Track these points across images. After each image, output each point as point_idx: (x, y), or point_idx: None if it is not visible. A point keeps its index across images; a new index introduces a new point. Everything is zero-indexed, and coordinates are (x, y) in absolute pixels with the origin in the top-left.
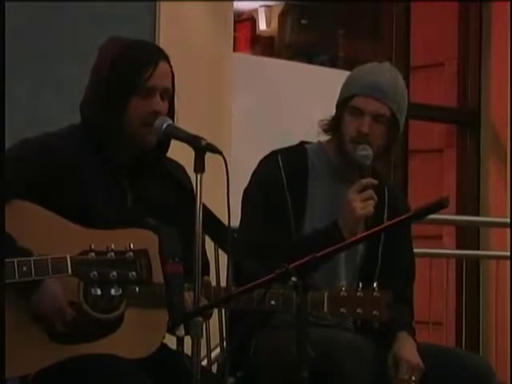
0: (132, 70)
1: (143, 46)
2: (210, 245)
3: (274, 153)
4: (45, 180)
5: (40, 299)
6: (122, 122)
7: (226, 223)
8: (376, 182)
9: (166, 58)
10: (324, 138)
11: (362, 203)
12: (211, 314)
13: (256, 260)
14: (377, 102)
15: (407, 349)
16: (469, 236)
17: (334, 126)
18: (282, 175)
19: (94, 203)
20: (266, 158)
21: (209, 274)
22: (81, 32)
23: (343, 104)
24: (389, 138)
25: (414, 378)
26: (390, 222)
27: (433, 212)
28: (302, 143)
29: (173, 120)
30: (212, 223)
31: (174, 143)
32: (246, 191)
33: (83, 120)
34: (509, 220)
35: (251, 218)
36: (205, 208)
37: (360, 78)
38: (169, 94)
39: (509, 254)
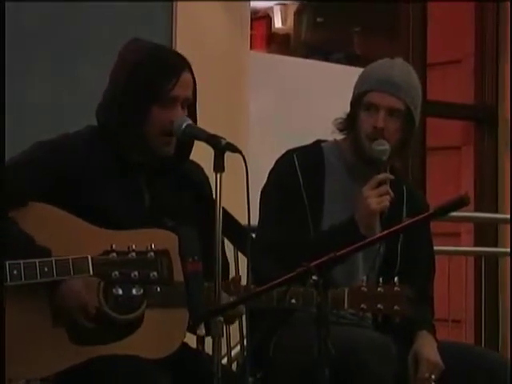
0: (155, 80)
1: (166, 55)
2: (229, 245)
3: (289, 152)
4: (62, 181)
5: (62, 297)
6: (141, 130)
7: (245, 222)
8: (392, 176)
9: (189, 67)
10: (339, 136)
11: (377, 198)
12: (235, 319)
13: (274, 259)
14: (391, 97)
15: (427, 347)
16: (487, 233)
17: (349, 124)
18: (298, 174)
19: (110, 204)
20: (282, 157)
21: (228, 276)
22: (97, 32)
23: (357, 101)
24: (404, 133)
25: (433, 377)
26: (411, 220)
27: (454, 210)
28: (318, 142)
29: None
30: (230, 226)
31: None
32: (263, 191)
33: (99, 124)
34: (508, 216)
35: (269, 217)
36: (223, 210)
37: (373, 74)
38: (189, 103)
39: None
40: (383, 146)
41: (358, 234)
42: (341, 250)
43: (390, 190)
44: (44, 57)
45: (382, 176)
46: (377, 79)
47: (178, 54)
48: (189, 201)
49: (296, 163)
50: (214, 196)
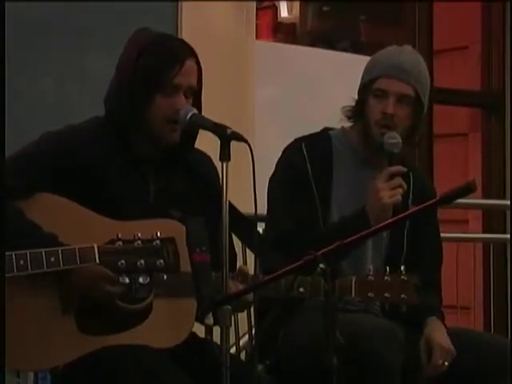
0: (158, 68)
1: (170, 43)
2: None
3: (297, 140)
4: (67, 172)
5: (78, 273)
6: (145, 118)
7: (252, 211)
8: (405, 169)
9: (194, 55)
10: (346, 124)
11: (389, 192)
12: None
13: (284, 249)
14: (400, 83)
15: (438, 333)
16: (495, 219)
17: (357, 112)
18: (306, 163)
19: (116, 196)
20: (289, 146)
21: (235, 268)
22: (105, 24)
23: (366, 87)
24: (414, 119)
25: (446, 363)
26: (417, 208)
27: (461, 196)
28: (326, 129)
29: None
30: (236, 220)
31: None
32: (271, 180)
33: (107, 113)
34: (508, 202)
35: (278, 207)
36: (229, 205)
37: (382, 61)
38: (193, 92)
39: None
40: (395, 139)
41: (368, 225)
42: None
43: (403, 183)
44: (50, 49)
45: (394, 169)
46: (386, 65)
47: (183, 42)
48: (196, 192)
49: (304, 151)
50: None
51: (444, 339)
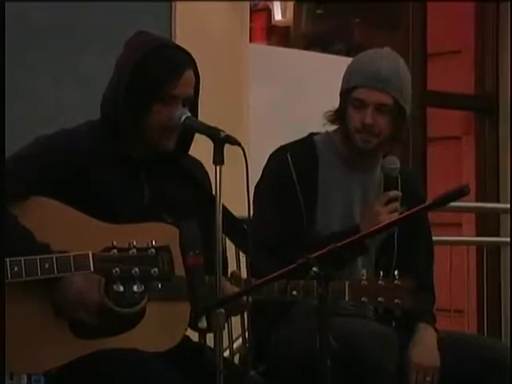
0: (156, 79)
1: (170, 53)
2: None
3: (282, 148)
4: (64, 174)
5: (62, 294)
6: (142, 125)
7: (245, 214)
8: (400, 194)
9: (192, 65)
10: (331, 127)
11: (388, 215)
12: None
13: (269, 257)
14: (378, 92)
15: (420, 347)
16: (489, 223)
17: (338, 117)
18: (291, 170)
19: (110, 200)
20: (274, 153)
21: (227, 273)
22: (101, 24)
23: (345, 96)
24: (395, 126)
25: (428, 379)
26: (410, 212)
27: (453, 200)
28: (311, 135)
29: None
30: (229, 224)
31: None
32: (257, 187)
33: (102, 115)
34: (508, 206)
35: (263, 215)
36: (223, 208)
37: (360, 69)
38: (190, 101)
39: None
40: (394, 165)
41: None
42: (340, 255)
43: (399, 207)
44: (48, 49)
45: (392, 193)
46: (363, 75)
47: (182, 51)
48: (189, 196)
49: (289, 159)
50: (213, 190)
51: (425, 354)
